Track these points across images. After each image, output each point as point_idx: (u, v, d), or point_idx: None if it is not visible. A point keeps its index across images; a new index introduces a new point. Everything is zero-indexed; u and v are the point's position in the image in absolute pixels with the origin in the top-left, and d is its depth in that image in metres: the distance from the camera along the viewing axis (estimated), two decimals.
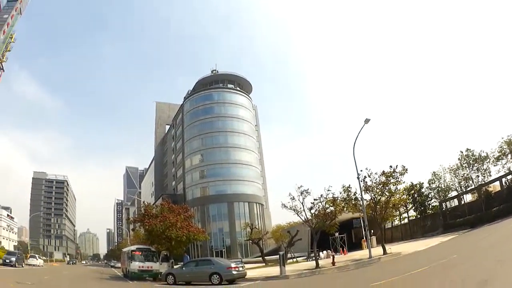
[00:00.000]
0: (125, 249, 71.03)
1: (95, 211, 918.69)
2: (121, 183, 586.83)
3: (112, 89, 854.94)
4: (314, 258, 49.44)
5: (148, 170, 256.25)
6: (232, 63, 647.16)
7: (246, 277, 42.37)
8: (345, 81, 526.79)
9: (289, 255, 66.53)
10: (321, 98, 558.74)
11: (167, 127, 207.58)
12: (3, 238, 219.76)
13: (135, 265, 53.20)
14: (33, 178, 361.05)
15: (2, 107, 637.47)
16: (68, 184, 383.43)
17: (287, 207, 50.80)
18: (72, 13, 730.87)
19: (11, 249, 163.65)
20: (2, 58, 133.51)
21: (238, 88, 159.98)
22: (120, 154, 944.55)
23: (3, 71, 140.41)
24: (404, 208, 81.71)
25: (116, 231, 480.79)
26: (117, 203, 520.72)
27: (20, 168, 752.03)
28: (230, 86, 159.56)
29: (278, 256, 47.53)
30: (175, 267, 53.37)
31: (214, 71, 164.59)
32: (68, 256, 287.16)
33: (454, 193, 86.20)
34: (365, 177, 52.27)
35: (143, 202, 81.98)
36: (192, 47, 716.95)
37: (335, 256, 52.16)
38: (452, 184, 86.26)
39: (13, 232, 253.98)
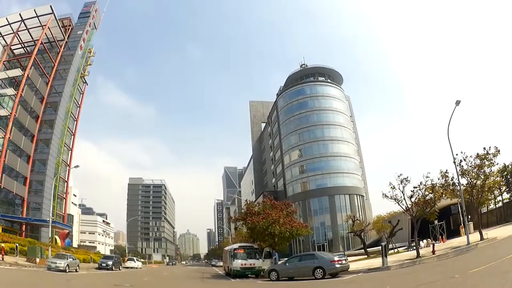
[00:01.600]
0: (227, 248, 72.67)
1: (195, 213, 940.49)
2: (220, 184, 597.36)
3: (203, 92, 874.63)
4: (415, 247, 50.03)
5: (247, 169, 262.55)
6: (319, 55, 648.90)
7: (348, 269, 42.90)
8: (432, 61, 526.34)
9: (390, 246, 66.73)
10: (411, 80, 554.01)
11: (263, 125, 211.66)
12: (99, 243, 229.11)
13: (238, 263, 54.40)
14: (129, 184, 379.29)
15: (92, 119, 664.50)
16: (165, 188, 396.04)
17: (388, 196, 50.71)
18: (152, 22, 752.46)
19: (108, 253, 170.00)
20: (84, 72, 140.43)
21: (329, 80, 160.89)
22: (218, 155, 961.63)
23: (87, 84, 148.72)
24: (498, 190, 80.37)
25: (216, 230, 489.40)
26: (217, 203, 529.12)
27: (116, 176, 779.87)
28: (321, 78, 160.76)
29: (379, 247, 48.57)
30: (278, 263, 54.53)
31: (304, 65, 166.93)
32: (167, 258, 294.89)
33: None
34: (460, 161, 52.03)
35: (246, 200, 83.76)
36: (278, 43, 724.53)
37: (435, 244, 52.60)
38: None
39: (109, 237, 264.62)
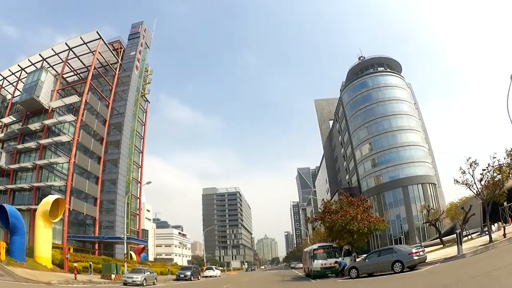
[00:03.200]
0: (306, 249, 73.84)
1: (271, 217, 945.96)
2: (294, 185, 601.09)
3: (265, 96, 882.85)
4: (487, 232, 49.35)
5: (320, 168, 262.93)
6: (373, 45, 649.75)
7: (426, 261, 42.59)
8: (487, 36, 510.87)
9: (464, 233, 66.05)
10: (468, 58, 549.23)
11: (331, 122, 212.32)
12: (176, 255, 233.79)
13: (318, 263, 55.29)
14: (203, 195, 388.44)
15: (160, 135, 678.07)
16: (240, 195, 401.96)
17: (459, 182, 50.40)
18: (204, 33, 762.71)
19: (185, 264, 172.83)
20: (144, 91, 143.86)
21: (388, 70, 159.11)
22: (290, 157, 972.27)
23: (149, 102, 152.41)
24: None
25: (294, 232, 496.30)
26: (293, 205, 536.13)
27: (189, 188, 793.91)
28: (380, 69, 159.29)
29: (454, 235, 48.17)
30: (357, 260, 55.24)
31: (361, 58, 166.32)
32: (246, 264, 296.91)
33: None
34: None
35: (322, 199, 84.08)
36: (329, 39, 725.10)
37: (505, 227, 51.64)
38: None
39: (186, 248, 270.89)
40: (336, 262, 54.22)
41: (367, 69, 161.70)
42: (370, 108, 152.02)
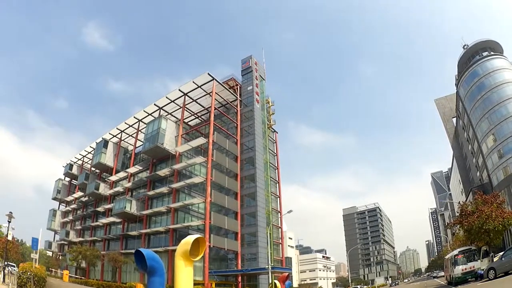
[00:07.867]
0: (447, 256, 72.34)
1: (411, 227, 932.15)
2: (430, 192, 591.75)
3: (386, 107, 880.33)
4: None
5: (452, 169, 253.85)
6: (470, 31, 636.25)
7: None
8: None
9: None
10: None
11: (454, 120, 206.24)
12: (320, 279, 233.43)
13: (459, 269, 54.45)
14: (343, 215, 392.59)
15: (294, 162, 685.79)
16: (380, 210, 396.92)
17: None
18: (314, 53, 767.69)
19: (330, 287, 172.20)
20: (270, 122, 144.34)
21: (492, 53, 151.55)
22: (421, 164, 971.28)
23: (276, 132, 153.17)
24: None
25: (434, 240, 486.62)
26: (431, 212, 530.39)
27: (329, 210, 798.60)
28: (484, 53, 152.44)
29: None
30: (494, 259, 53.66)
31: (465, 46, 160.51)
32: (389, 279, 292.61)
33: None
34: None
35: (459, 202, 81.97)
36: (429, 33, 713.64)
37: None
38: None
39: (330, 271, 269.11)
40: (473, 269, 53.79)
41: (473, 57, 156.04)
42: (486, 97, 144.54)
